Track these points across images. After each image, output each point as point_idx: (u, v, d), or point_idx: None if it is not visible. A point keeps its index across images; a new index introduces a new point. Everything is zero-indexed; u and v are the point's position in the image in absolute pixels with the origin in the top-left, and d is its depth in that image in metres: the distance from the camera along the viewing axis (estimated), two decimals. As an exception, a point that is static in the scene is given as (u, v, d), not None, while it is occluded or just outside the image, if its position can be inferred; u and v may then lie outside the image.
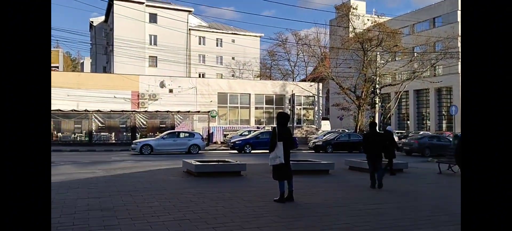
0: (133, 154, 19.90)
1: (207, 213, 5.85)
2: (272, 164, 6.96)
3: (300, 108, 39.07)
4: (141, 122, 27.92)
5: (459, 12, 46.59)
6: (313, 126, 38.79)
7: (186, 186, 8.51)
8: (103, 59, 55.10)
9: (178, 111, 29.62)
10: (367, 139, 9.46)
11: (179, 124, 29.62)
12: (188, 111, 30.36)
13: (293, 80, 48.28)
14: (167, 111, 29.52)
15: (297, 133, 36.75)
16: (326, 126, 46.10)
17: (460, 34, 38.42)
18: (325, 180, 10.16)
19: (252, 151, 22.15)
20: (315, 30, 72.31)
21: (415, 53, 40.68)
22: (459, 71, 45.52)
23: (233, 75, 51.18)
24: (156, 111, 29.72)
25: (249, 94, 36.55)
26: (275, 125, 7.22)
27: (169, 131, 21.80)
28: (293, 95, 29.44)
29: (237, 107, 36.67)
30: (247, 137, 23.19)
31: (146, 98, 32.02)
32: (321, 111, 42.84)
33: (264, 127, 36.30)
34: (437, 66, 44.00)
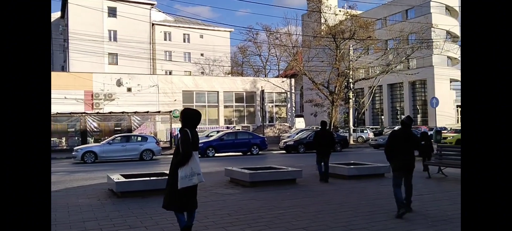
0: (74, 163, 17.09)
1: None
2: (187, 184, 4.35)
3: (272, 106, 36.99)
4: (92, 125, 24.92)
5: (432, 3, 45.78)
6: (286, 124, 36.78)
7: (86, 217, 6.03)
8: (60, 58, 51.14)
9: (135, 112, 26.78)
10: (318, 137, 10.06)
11: (137, 126, 26.78)
12: (147, 112, 27.56)
13: (266, 77, 46.15)
14: (123, 112, 26.62)
15: (269, 132, 34.63)
16: (300, 123, 44.28)
17: (434, 25, 37.33)
18: (290, 193, 7.92)
19: (216, 155, 19.73)
20: (288, 27, 70.50)
21: (389, 47, 39.37)
22: (433, 63, 44.71)
23: (202, 73, 48.57)
24: (110, 112, 26.77)
25: (217, 92, 34.11)
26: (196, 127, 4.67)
27: (116, 135, 19.01)
28: (262, 91, 27.23)
29: (205, 106, 34.15)
30: (210, 138, 20.75)
31: (101, 99, 29.02)
32: (294, 108, 40.88)
33: (234, 127, 33.99)
34: (411, 59, 42.94)
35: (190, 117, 4.66)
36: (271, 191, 8.12)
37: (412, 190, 6.23)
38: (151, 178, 7.92)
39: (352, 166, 10.12)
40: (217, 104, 34.14)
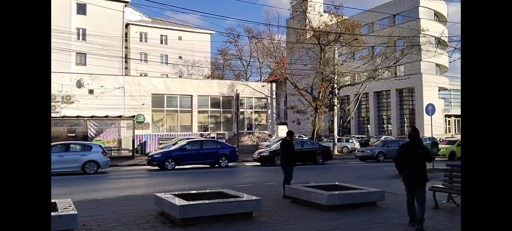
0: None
1: None
2: None
3: (251, 112, 34.31)
4: (40, 130, 21.65)
5: (420, 8, 44.00)
6: (266, 131, 34.07)
7: None
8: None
9: (93, 117, 23.65)
10: (288, 148, 9.15)
11: (95, 133, 23.67)
12: (106, 117, 24.45)
13: (247, 81, 43.46)
14: (78, 116, 23.46)
15: (247, 141, 31.91)
16: (283, 131, 41.60)
17: (423, 29, 35.35)
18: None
19: (177, 167, 16.82)
20: (269, 30, 68.08)
21: (376, 52, 37.20)
22: (421, 71, 42.80)
23: (180, 76, 45.64)
24: (63, 117, 23.58)
25: (191, 95, 31.21)
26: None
27: (54, 144, 15.87)
28: (237, 95, 24.47)
29: (177, 111, 31.21)
30: (171, 148, 17.81)
31: (57, 101, 25.80)
32: (275, 115, 38.26)
33: (209, 134, 31.15)
34: (398, 66, 40.99)
35: None
36: (208, 235, 5.31)
37: (424, 206, 5.92)
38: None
39: (333, 192, 7.40)
40: (190, 109, 31.24)
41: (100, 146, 15.79)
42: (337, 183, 8.81)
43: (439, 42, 40.37)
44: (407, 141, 6.67)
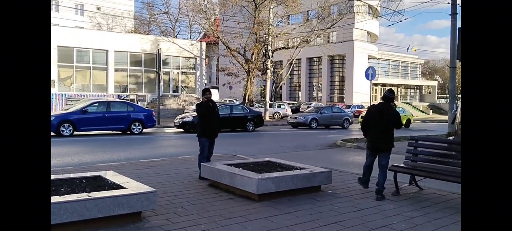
0: None
1: None
2: None
3: (178, 73, 31.26)
4: None
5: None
6: (194, 95, 31.36)
7: None
8: None
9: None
10: (205, 113, 6.51)
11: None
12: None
13: (174, 37, 39.72)
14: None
15: (172, 104, 29.01)
16: (214, 95, 39.07)
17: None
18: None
19: (76, 133, 13.68)
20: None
21: (311, 16, 35.83)
22: (354, 38, 42.70)
23: (98, 29, 40.27)
24: None
25: (106, 51, 27.17)
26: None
27: None
28: (159, 51, 21.29)
29: (89, 68, 27.08)
30: (69, 110, 14.49)
31: None
32: (204, 77, 35.52)
33: (127, 96, 27.63)
34: (331, 33, 40.44)
35: None
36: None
37: (386, 173, 5.32)
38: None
39: (264, 175, 5.32)
40: (106, 66, 27.28)
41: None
42: (268, 159, 6.79)
43: (374, 12, 40.28)
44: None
